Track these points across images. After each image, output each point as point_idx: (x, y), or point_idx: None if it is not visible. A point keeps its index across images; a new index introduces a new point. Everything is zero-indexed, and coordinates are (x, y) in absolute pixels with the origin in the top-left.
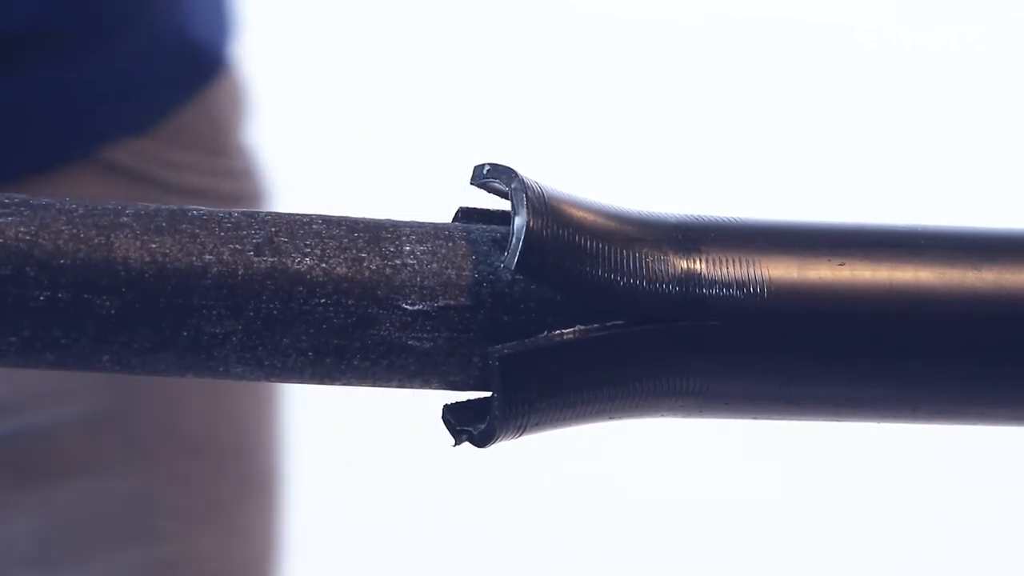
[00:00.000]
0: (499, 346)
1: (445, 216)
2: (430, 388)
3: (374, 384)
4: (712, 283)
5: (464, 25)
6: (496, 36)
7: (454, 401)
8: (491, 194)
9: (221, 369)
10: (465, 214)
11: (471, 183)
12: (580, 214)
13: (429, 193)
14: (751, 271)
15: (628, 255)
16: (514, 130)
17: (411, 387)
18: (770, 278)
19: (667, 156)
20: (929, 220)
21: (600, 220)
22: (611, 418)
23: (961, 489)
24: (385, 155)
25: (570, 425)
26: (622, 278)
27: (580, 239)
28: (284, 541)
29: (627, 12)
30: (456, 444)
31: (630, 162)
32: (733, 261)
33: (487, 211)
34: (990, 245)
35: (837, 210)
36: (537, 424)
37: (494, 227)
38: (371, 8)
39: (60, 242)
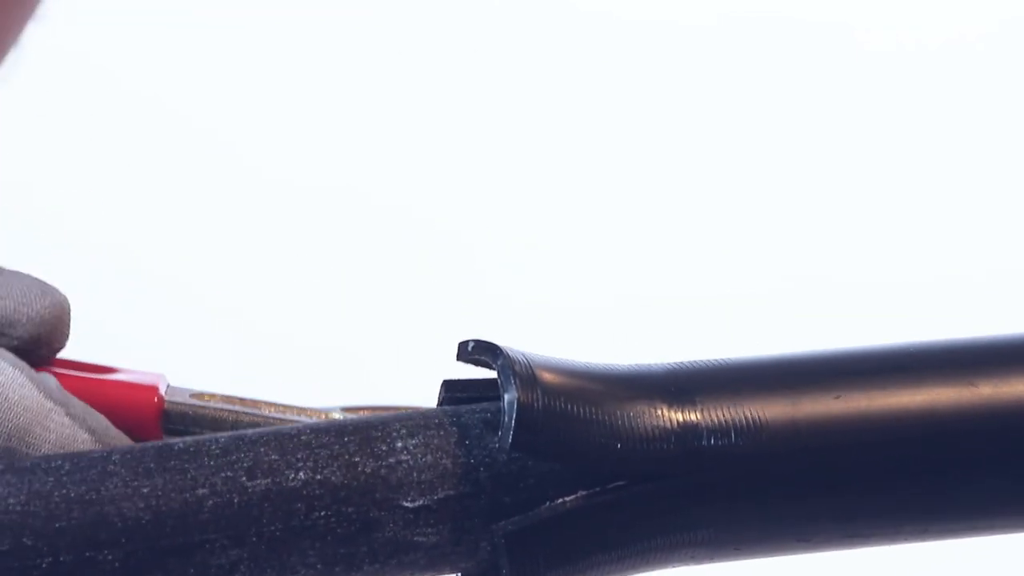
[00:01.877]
0: (503, 522)
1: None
2: None
3: None
4: (709, 434)
5: (461, 24)
6: (491, 35)
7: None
8: (477, 366)
9: None
10: (450, 387)
11: (457, 359)
12: (569, 381)
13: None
14: (747, 415)
15: (622, 416)
16: (511, 133)
17: None
18: (767, 420)
19: (669, 157)
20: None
21: (590, 384)
22: (623, 575)
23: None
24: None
25: None
26: (619, 440)
27: (572, 407)
28: None
29: (625, 11)
30: None
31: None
32: (728, 407)
33: (472, 381)
34: (984, 357)
35: (839, 213)
36: None
37: (484, 406)
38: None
39: (52, 506)
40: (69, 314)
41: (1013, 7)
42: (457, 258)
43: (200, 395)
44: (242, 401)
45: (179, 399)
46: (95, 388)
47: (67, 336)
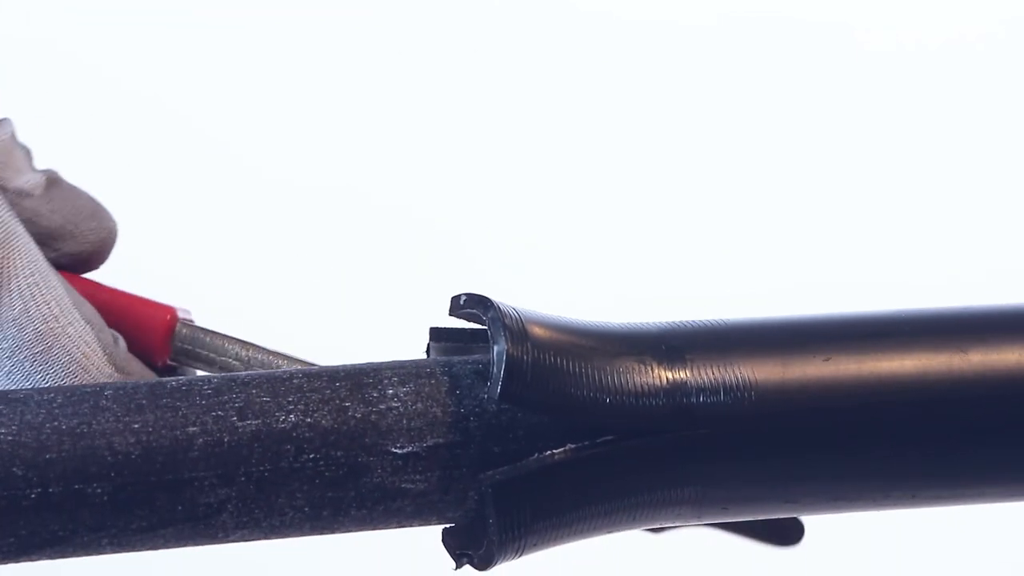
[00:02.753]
0: (491, 472)
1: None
2: (429, 525)
3: (373, 528)
4: (699, 391)
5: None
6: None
7: (453, 525)
8: (469, 321)
9: (220, 536)
10: (437, 335)
11: (449, 314)
12: (559, 336)
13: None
14: (737, 375)
15: (612, 371)
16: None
17: (410, 526)
18: (756, 380)
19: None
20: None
21: (580, 339)
22: (609, 531)
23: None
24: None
25: (569, 541)
26: (608, 395)
27: (562, 361)
28: None
29: (625, 12)
30: (457, 567)
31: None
32: (718, 367)
33: (459, 330)
34: (975, 326)
35: (841, 212)
36: (535, 544)
37: (475, 357)
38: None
39: (43, 437)
40: (114, 239)
41: (1014, 7)
42: (457, 258)
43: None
44: (258, 349)
45: (194, 324)
46: (117, 298)
47: (106, 258)
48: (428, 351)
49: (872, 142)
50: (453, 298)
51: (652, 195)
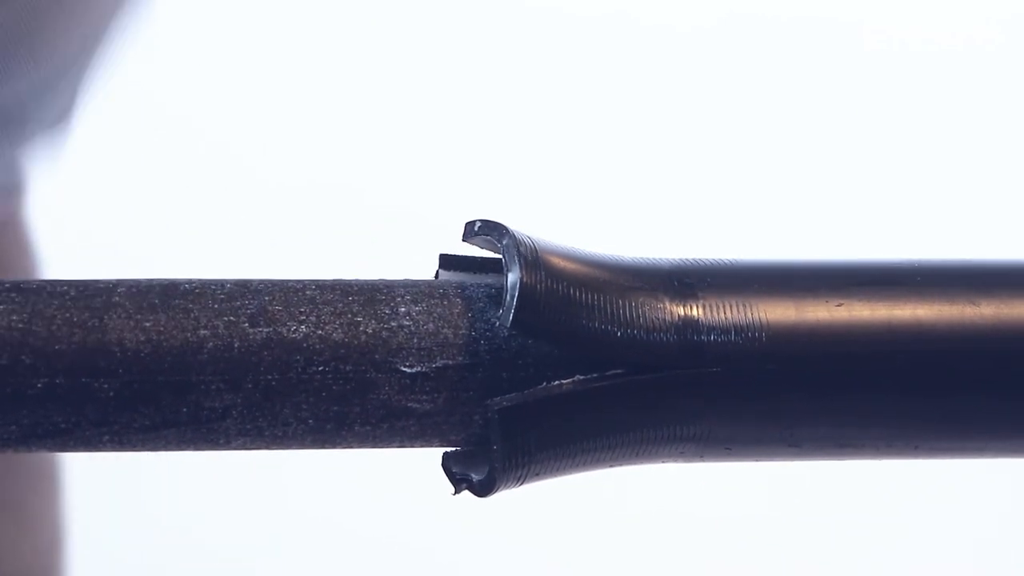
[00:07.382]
0: (498, 398)
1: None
2: (431, 447)
3: (375, 446)
4: (710, 329)
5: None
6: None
7: (455, 450)
8: (483, 249)
9: (222, 442)
10: (447, 262)
11: (463, 240)
12: (573, 267)
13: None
14: (749, 315)
15: (624, 305)
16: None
17: (412, 447)
18: (768, 321)
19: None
20: (936, 226)
21: (594, 271)
22: (611, 466)
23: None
24: (376, 154)
25: (571, 473)
26: (619, 328)
27: (575, 292)
28: (67, 525)
29: (620, 13)
30: (456, 493)
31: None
32: (730, 306)
33: (471, 258)
34: (988, 279)
35: (843, 210)
36: (538, 474)
37: (488, 282)
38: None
39: (54, 328)
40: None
41: (1016, 8)
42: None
43: None
44: None
45: None
46: None
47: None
48: (437, 278)
49: (877, 143)
50: (467, 223)
51: (652, 197)
